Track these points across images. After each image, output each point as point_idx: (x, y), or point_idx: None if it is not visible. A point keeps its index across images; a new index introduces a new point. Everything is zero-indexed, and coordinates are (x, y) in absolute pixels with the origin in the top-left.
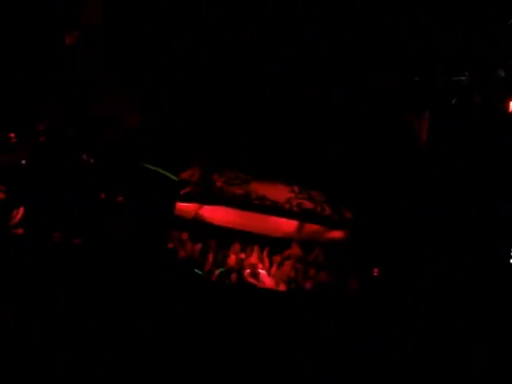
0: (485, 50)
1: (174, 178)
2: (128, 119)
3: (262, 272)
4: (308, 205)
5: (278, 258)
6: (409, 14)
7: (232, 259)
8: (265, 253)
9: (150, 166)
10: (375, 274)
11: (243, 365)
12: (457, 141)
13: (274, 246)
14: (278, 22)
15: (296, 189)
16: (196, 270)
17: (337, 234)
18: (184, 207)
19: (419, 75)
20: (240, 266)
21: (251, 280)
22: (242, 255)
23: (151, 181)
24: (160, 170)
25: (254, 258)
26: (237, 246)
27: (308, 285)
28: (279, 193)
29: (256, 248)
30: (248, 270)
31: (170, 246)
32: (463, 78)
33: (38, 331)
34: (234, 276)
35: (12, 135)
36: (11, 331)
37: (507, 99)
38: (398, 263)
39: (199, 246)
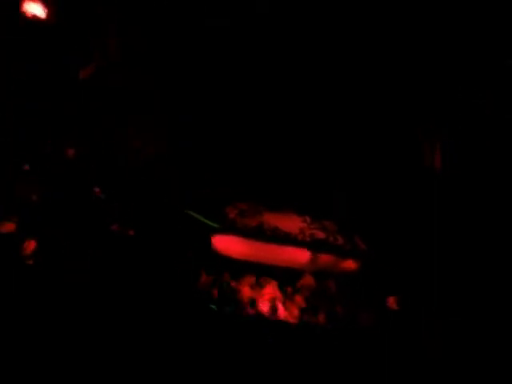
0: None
1: (214, 224)
2: (146, 151)
3: (280, 305)
4: (320, 235)
5: (290, 289)
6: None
7: (246, 291)
8: (278, 285)
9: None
10: (390, 305)
11: None
12: (472, 164)
13: (287, 277)
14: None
15: (308, 219)
16: (211, 306)
17: (350, 264)
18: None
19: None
20: (255, 299)
21: (268, 313)
22: (257, 288)
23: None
24: (201, 218)
25: (271, 290)
26: (251, 279)
27: (321, 317)
28: (292, 223)
29: (271, 280)
30: (267, 303)
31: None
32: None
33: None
34: (249, 309)
35: (26, 167)
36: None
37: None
38: (413, 293)
39: (212, 278)
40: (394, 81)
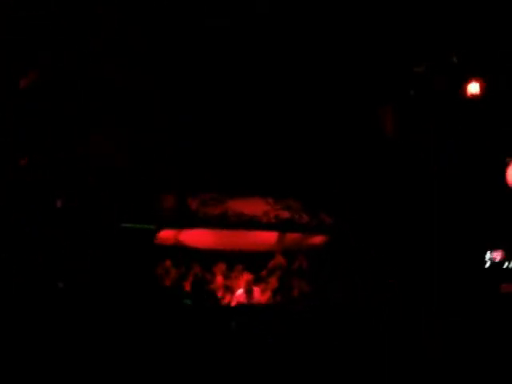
0: (439, 38)
1: (150, 227)
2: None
3: (255, 288)
4: (285, 214)
5: (262, 272)
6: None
7: (219, 280)
8: (250, 269)
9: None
10: (360, 276)
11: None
12: (426, 132)
13: (258, 260)
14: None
15: (271, 200)
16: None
17: (317, 240)
18: (163, 234)
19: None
20: (229, 286)
21: (244, 298)
22: (230, 275)
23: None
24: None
25: (243, 276)
26: (221, 267)
27: (295, 295)
28: (256, 207)
29: (242, 266)
30: (241, 289)
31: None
32: (420, 68)
33: None
34: (224, 297)
35: None
36: None
37: (463, 84)
38: (382, 265)
39: (183, 271)
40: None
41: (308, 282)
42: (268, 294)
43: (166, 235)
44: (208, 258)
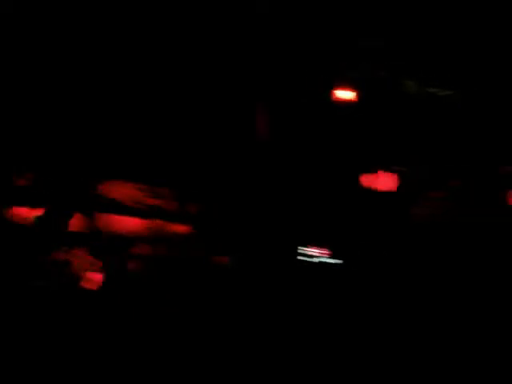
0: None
1: None
2: None
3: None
4: (153, 201)
5: (124, 258)
6: None
7: (79, 264)
8: (112, 254)
9: None
10: (225, 264)
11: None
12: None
13: (121, 246)
14: None
15: (140, 186)
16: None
17: (183, 229)
18: (19, 212)
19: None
20: (89, 271)
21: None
22: (85, 258)
23: None
24: None
25: (104, 261)
26: (82, 251)
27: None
28: (123, 191)
29: (104, 250)
30: (101, 274)
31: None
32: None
33: None
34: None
35: None
36: None
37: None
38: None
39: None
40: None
41: (171, 269)
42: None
43: (23, 213)
44: (70, 239)
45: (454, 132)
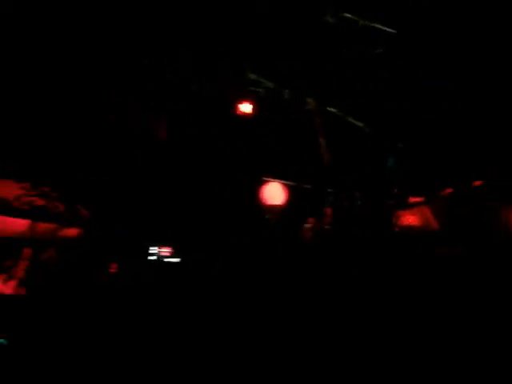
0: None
1: None
2: None
3: None
4: (40, 202)
5: (9, 262)
6: None
7: None
8: None
9: None
10: (112, 269)
11: None
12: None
13: (3, 248)
14: None
15: (27, 185)
16: None
17: (71, 232)
18: None
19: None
20: None
21: None
22: None
23: None
24: None
25: None
26: None
27: (44, 286)
28: (7, 190)
29: None
30: None
31: None
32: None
33: None
34: None
35: None
36: None
37: (234, 103)
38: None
39: None
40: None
41: (57, 273)
42: (13, 284)
43: None
44: None
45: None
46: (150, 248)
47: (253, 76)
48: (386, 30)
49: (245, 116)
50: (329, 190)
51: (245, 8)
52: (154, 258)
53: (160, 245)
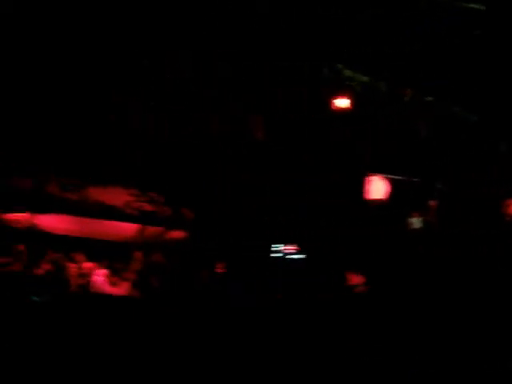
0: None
1: None
2: None
3: (102, 278)
4: (148, 207)
5: (119, 264)
6: None
7: (72, 268)
8: (106, 260)
9: None
10: (220, 270)
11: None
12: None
13: (115, 251)
14: None
15: (135, 192)
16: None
17: (178, 235)
18: (17, 217)
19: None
20: (82, 275)
21: (94, 287)
22: (83, 263)
23: None
24: None
25: (95, 265)
26: (77, 255)
27: (154, 287)
28: (117, 197)
29: (98, 255)
30: (89, 278)
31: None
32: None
33: None
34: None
35: None
36: None
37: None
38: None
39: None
40: None
41: (165, 276)
42: (126, 287)
43: (22, 218)
44: (64, 244)
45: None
46: (273, 246)
47: (348, 72)
48: (479, 9)
49: (341, 111)
50: (434, 182)
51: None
52: (279, 255)
53: (284, 242)
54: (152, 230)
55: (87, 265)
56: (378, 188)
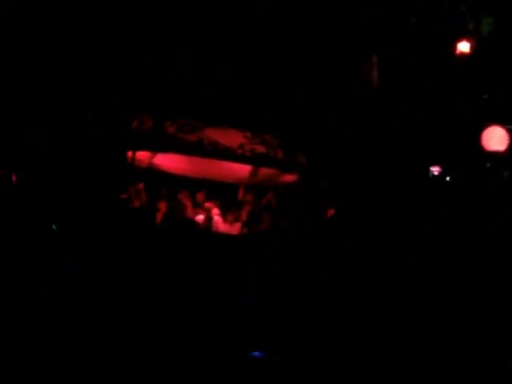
0: None
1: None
2: None
3: (216, 217)
4: (261, 149)
5: (231, 203)
6: None
7: (188, 206)
8: (219, 199)
9: None
10: (329, 215)
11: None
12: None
13: (228, 191)
14: None
15: (249, 134)
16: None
17: (290, 178)
18: (138, 156)
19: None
20: (196, 213)
21: (206, 225)
22: (198, 202)
23: None
24: None
25: (208, 204)
26: (191, 194)
27: (262, 228)
28: (232, 138)
29: (212, 194)
30: (202, 216)
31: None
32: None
33: None
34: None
35: None
36: None
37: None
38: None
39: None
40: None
41: (276, 218)
42: (237, 226)
43: (142, 157)
44: (180, 183)
45: None
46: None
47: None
48: None
49: (463, 56)
50: None
51: None
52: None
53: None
54: (264, 171)
55: (204, 204)
56: (497, 138)
